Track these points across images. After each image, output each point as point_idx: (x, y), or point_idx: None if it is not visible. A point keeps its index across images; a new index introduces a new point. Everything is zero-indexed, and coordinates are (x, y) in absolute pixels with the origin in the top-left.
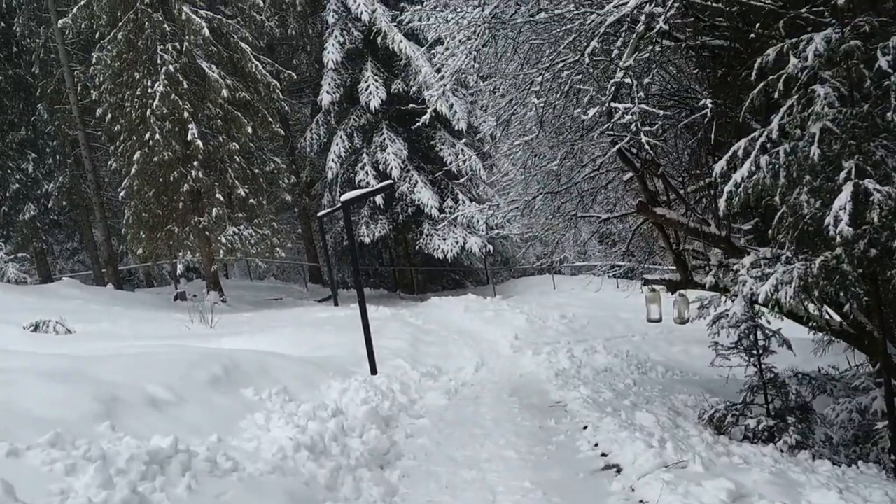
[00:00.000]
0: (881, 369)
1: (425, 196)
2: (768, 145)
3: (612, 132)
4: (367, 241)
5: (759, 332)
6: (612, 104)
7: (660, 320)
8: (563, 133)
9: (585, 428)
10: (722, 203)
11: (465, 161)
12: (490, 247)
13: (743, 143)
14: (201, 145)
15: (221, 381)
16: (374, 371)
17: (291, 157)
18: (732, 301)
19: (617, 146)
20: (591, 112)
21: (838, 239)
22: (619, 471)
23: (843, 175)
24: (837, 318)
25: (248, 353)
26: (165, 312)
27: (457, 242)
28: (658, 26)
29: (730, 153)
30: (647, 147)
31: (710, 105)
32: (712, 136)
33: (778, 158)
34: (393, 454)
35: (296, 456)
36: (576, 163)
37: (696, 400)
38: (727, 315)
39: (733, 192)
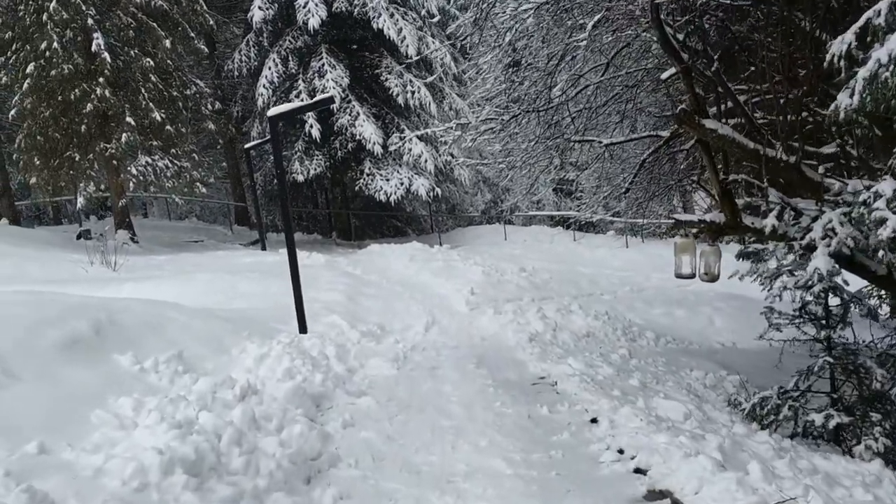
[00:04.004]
0: None
1: (368, 130)
2: None
3: None
4: (300, 178)
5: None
6: None
7: (693, 276)
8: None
9: (595, 421)
10: (852, 99)
11: (413, 93)
12: (438, 190)
13: (883, 5)
14: (108, 59)
15: (85, 345)
16: (303, 329)
17: (217, 82)
18: (798, 254)
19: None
20: None
21: None
22: None
23: None
24: None
25: (137, 304)
26: (62, 252)
27: (402, 184)
28: None
29: (862, 21)
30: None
31: None
32: None
33: None
34: (326, 459)
35: (164, 483)
36: (572, 70)
37: (713, 379)
38: (791, 272)
39: (867, 84)
